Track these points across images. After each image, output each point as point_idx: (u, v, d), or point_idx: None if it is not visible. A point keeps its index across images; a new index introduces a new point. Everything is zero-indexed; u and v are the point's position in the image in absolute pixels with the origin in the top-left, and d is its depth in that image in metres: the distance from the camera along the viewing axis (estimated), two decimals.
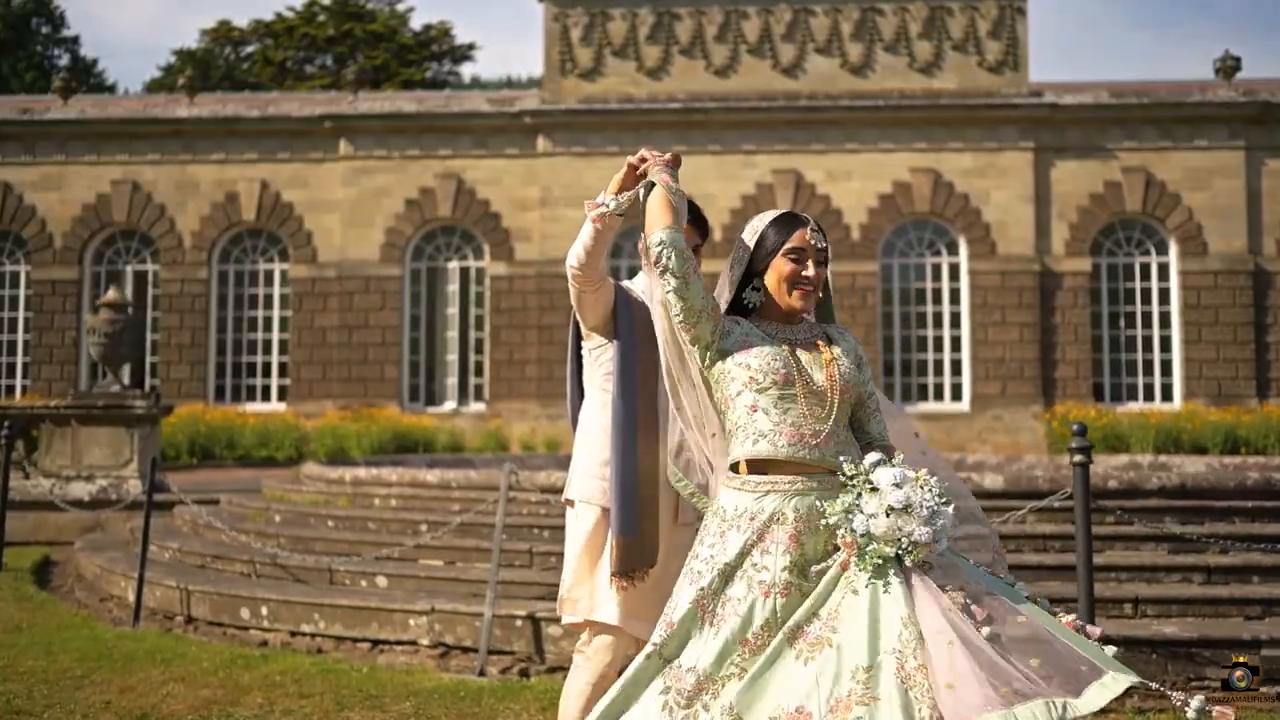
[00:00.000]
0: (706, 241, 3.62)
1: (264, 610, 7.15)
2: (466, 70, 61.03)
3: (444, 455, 16.88)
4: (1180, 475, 6.88)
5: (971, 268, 22.54)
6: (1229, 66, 23.30)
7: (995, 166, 22.57)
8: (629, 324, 3.53)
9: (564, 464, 13.14)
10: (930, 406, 22.50)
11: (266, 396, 23.43)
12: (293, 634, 6.98)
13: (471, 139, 23.14)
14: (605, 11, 23.03)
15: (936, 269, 22.87)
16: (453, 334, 23.28)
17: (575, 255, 3.44)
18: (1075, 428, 4.56)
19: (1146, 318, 22.71)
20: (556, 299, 22.43)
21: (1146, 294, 22.77)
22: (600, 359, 3.61)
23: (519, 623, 6.32)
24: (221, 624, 7.35)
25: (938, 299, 22.81)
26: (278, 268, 23.65)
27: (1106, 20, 74.07)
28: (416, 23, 43.85)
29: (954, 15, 22.93)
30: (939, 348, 22.77)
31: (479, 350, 23.18)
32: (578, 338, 3.70)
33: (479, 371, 23.16)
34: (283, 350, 23.48)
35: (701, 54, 22.99)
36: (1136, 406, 21.90)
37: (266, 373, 23.57)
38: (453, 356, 23.27)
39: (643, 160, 3.17)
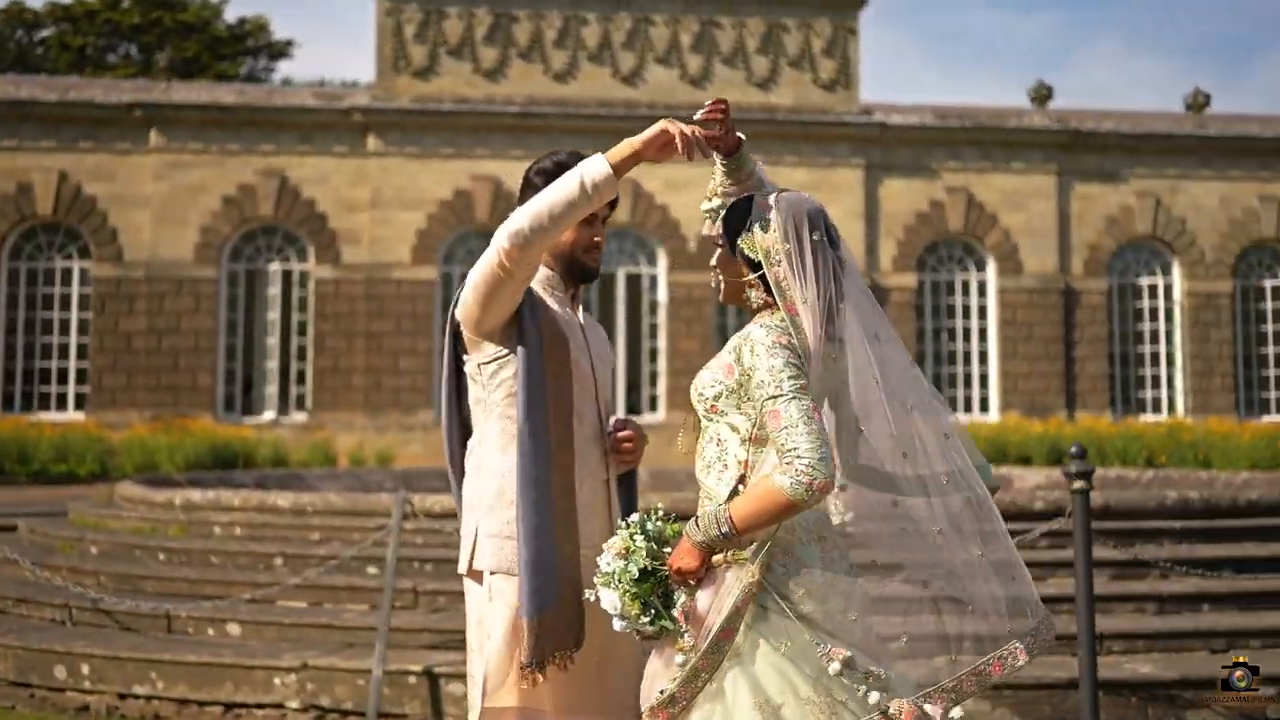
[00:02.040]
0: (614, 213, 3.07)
1: (85, 668, 5.96)
2: (284, 68, 58.58)
3: (272, 471, 15.70)
4: (1103, 496, 6.77)
5: None
6: (1042, 95, 24.39)
7: (828, 182, 22.87)
8: (535, 323, 2.78)
9: (415, 482, 11.99)
10: None
11: (63, 405, 21.59)
12: (122, 696, 5.85)
13: (297, 135, 21.91)
14: (440, 9, 22.23)
15: None
16: (273, 340, 21.99)
17: (536, 219, 2.68)
18: (1075, 450, 4.22)
19: (967, 333, 23.50)
20: (386, 305, 21.50)
21: (967, 310, 23.56)
22: (500, 377, 2.80)
23: (412, 679, 5.43)
24: (29, 685, 6.10)
25: None
26: (77, 266, 21.83)
27: (926, 48, 77.23)
28: (231, 15, 41.66)
29: (790, 32, 23.16)
30: None
31: (301, 358, 21.97)
32: (457, 353, 2.88)
33: (301, 380, 21.94)
34: (82, 355, 21.67)
35: (540, 58, 22.48)
36: (958, 418, 22.56)
37: (63, 379, 21.71)
38: (273, 364, 21.98)
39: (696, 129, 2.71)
